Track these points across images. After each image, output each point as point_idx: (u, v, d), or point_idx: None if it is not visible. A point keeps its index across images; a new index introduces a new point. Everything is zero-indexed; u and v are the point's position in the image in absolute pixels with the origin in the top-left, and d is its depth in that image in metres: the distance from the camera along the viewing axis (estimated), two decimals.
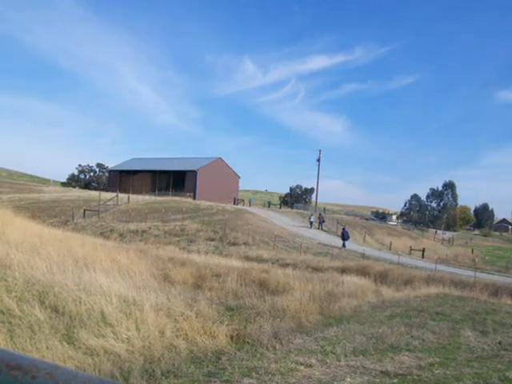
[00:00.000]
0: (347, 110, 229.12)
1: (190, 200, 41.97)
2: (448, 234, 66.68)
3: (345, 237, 26.62)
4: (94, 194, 42.12)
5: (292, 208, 60.18)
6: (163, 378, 4.35)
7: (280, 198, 79.13)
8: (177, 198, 41.93)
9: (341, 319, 7.86)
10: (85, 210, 30.72)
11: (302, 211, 49.52)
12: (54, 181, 74.48)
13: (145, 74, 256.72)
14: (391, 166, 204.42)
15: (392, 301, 10.03)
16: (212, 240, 23.52)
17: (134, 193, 46.36)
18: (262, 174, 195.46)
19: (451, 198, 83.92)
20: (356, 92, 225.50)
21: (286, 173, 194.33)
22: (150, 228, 25.57)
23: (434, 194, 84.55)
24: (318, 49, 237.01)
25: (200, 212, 32.01)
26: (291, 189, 77.30)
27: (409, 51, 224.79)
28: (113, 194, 37.65)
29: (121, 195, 37.57)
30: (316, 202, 57.91)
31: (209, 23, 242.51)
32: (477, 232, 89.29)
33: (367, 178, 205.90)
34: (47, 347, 4.30)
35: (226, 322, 6.30)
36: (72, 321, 5.07)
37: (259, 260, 17.22)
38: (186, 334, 5.64)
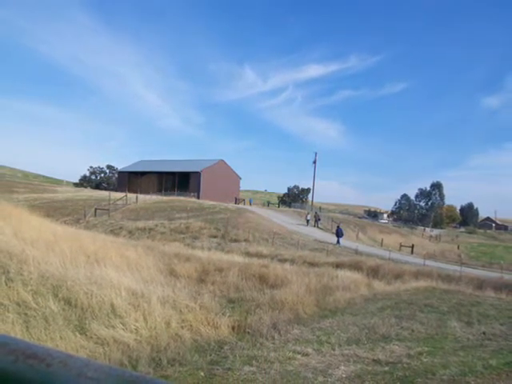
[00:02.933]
0: (342, 115, 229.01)
1: (194, 199, 41.96)
2: (435, 232, 66.58)
3: (339, 234, 26.60)
4: (104, 193, 42.05)
5: (290, 207, 60.09)
6: (169, 365, 4.35)
7: (279, 197, 79.00)
8: (182, 198, 41.91)
9: (335, 311, 7.86)
10: (96, 209, 30.69)
11: (299, 210, 49.47)
12: (67, 181, 74.48)
13: (151, 82, 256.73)
14: (383, 167, 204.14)
15: (383, 294, 10.03)
16: (215, 237, 23.50)
17: (141, 193, 46.30)
18: (262, 174, 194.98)
19: (438, 198, 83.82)
20: (350, 98, 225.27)
21: (285, 174, 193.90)
22: (156, 226, 25.54)
23: (423, 194, 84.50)
24: (314, 58, 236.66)
25: (203, 211, 32.00)
26: (289, 189, 77.24)
27: (399, 60, 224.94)
28: (122, 194, 37.62)
29: (129, 195, 37.54)
30: (312, 201, 57.85)
31: (212, 34, 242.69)
32: (462, 229, 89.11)
33: (361, 179, 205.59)
34: (61, 337, 4.30)
35: (227, 314, 6.30)
36: (84, 313, 5.08)
37: (259, 256, 17.19)
38: (191, 325, 5.64)
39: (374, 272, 14.90)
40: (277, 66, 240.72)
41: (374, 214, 79.72)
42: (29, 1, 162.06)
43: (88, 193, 46.79)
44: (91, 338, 4.57)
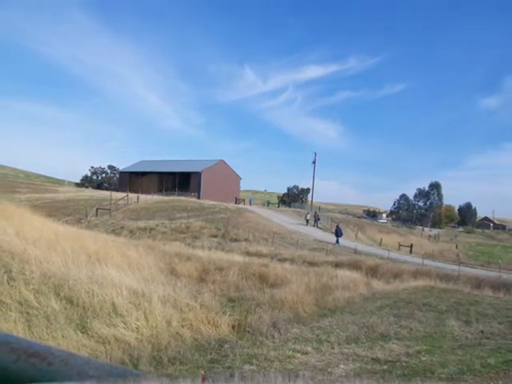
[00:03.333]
0: (341, 116, 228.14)
1: (194, 199, 41.97)
2: (434, 231, 66.57)
3: (338, 234, 26.61)
4: (105, 193, 42.04)
5: (290, 207, 60.04)
6: (170, 364, 4.35)
7: (278, 197, 78.96)
8: (182, 198, 41.92)
9: (335, 310, 7.86)
10: (97, 209, 30.68)
11: (298, 210, 49.46)
12: (68, 181, 74.45)
13: (151, 82, 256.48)
14: (383, 167, 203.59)
15: (382, 293, 10.03)
16: (215, 237, 23.50)
17: (142, 193, 46.23)
18: (262, 175, 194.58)
19: (437, 198, 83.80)
20: (349, 99, 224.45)
21: (285, 174, 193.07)
22: (157, 225, 25.54)
23: (421, 194, 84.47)
24: (314, 59, 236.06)
25: (204, 211, 32.02)
26: (289, 189, 77.22)
27: (398, 61, 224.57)
28: (123, 194, 37.61)
29: (131, 195, 37.50)
30: (312, 201, 57.84)
31: (212, 35, 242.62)
32: (461, 229, 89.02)
33: (360, 179, 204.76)
34: (62, 336, 4.30)
35: (228, 313, 6.30)
36: (85, 311, 5.08)
37: (259, 255, 17.18)
38: (191, 324, 5.64)
39: (373, 271, 14.90)
40: (277, 67, 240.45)
41: (373, 214, 79.69)
42: (29, 1, 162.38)
43: (89, 193, 46.78)
44: (92, 336, 4.58)
